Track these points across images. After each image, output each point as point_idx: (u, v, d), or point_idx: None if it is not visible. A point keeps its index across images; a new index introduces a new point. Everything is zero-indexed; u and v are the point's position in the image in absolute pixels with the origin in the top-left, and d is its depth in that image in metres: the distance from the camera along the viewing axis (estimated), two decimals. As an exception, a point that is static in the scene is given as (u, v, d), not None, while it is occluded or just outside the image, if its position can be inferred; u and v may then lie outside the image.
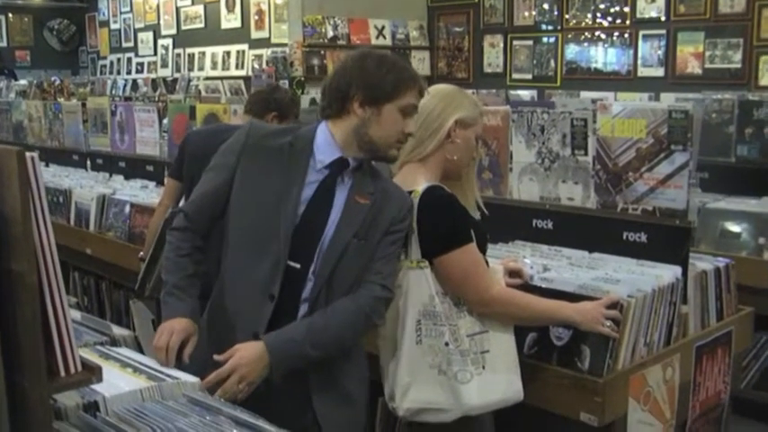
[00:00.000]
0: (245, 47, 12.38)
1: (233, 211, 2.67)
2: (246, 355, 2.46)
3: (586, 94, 7.57)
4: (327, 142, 2.64)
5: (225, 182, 2.68)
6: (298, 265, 2.57)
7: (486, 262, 2.86)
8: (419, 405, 2.77)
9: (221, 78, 11.73)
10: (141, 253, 4.31)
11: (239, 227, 2.66)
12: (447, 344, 2.72)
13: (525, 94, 8.57)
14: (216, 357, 2.47)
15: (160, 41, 14.56)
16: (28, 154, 1.41)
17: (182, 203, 3.96)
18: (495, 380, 2.76)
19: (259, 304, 2.58)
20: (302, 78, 10.99)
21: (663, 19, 9.84)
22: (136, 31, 15.26)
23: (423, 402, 2.76)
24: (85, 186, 6.00)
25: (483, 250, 2.85)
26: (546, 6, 11.00)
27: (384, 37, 12.08)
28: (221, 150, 2.76)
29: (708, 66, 9.49)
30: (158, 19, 14.51)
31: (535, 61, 11.25)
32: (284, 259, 2.56)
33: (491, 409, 2.81)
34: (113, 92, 11.86)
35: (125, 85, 12.06)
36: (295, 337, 2.51)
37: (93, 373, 1.56)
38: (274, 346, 2.49)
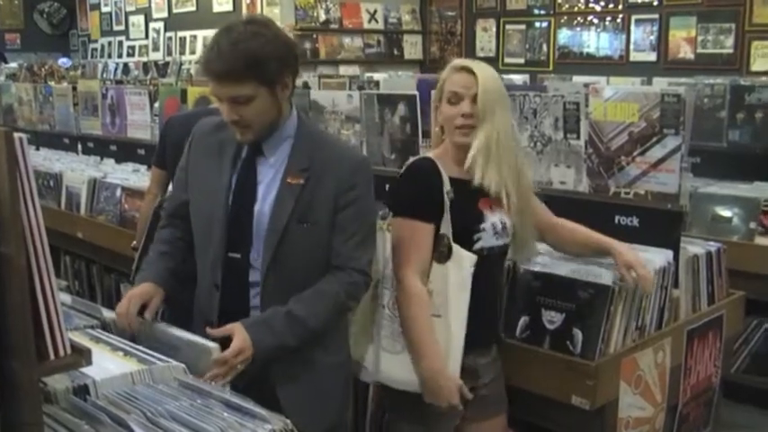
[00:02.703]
0: (236, 30, 12.32)
1: (190, 209, 2.72)
2: (246, 338, 2.42)
3: (579, 79, 7.55)
4: None
5: (184, 182, 2.75)
6: (238, 255, 2.57)
7: (450, 245, 2.75)
8: (354, 357, 2.85)
9: (213, 62, 11.66)
10: (134, 242, 4.29)
11: (193, 222, 2.71)
12: (384, 306, 2.80)
13: (518, 78, 8.53)
14: (210, 331, 2.44)
15: (151, 25, 14.48)
16: (16, 135, 1.40)
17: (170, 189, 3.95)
18: None
19: (209, 294, 2.62)
20: (294, 62, 10.94)
21: (655, 4, 9.84)
22: (127, 15, 15.17)
23: (355, 355, 2.85)
24: (76, 170, 5.97)
25: (461, 226, 2.77)
26: (538, -10, 11.01)
27: (376, 21, 12.06)
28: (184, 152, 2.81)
29: (700, 51, 9.50)
30: (149, 2, 14.43)
31: (528, 45, 11.24)
32: (221, 249, 2.57)
33: (408, 389, 2.78)
34: (104, 75, 11.80)
35: (116, 69, 12.00)
36: (275, 328, 2.48)
37: (82, 355, 1.55)
38: (257, 336, 2.44)
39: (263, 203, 2.56)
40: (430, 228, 2.75)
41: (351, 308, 2.70)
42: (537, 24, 11.12)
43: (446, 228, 2.75)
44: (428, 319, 2.72)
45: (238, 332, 2.42)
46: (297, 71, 2.59)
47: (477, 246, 2.78)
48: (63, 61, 12.91)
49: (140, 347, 2.21)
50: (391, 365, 2.80)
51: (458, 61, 2.81)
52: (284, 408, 2.48)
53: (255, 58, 2.40)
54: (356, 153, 2.71)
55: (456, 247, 2.75)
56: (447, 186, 2.76)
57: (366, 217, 2.62)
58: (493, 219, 2.79)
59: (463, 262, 2.75)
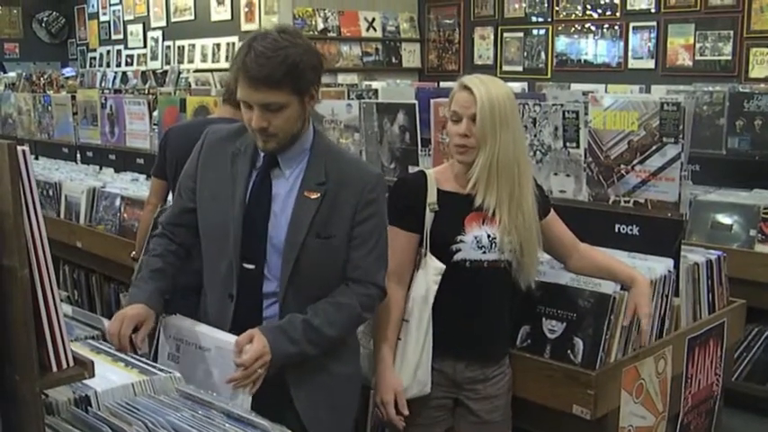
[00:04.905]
0: (234, 39, 12.33)
1: (199, 218, 2.70)
2: (265, 343, 2.42)
3: (577, 87, 7.57)
4: None
5: (191, 190, 2.72)
6: (252, 266, 2.57)
7: (424, 254, 2.83)
8: None
9: (211, 71, 11.68)
10: (134, 252, 4.29)
11: (204, 232, 2.69)
12: None
13: (516, 86, 8.55)
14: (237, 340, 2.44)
15: (150, 34, 14.49)
16: (19, 148, 1.40)
17: (170, 199, 3.94)
18: None
19: (222, 305, 2.61)
20: (292, 71, 10.96)
21: (653, 11, 9.86)
22: (125, 24, 15.18)
23: None
24: (75, 179, 5.97)
25: (440, 237, 2.82)
26: (536, -2, 11.03)
27: (374, 29, 12.07)
28: (189, 160, 2.78)
29: (698, 58, 9.52)
30: (148, 11, 14.44)
31: (526, 53, 11.26)
32: (237, 260, 2.56)
33: (370, 385, 2.93)
34: (103, 84, 11.79)
35: (115, 78, 11.99)
36: (293, 335, 2.48)
37: (85, 368, 1.55)
38: (275, 343, 2.44)
39: (280, 217, 2.56)
40: (407, 236, 2.85)
41: (366, 320, 2.74)
42: (535, 32, 11.14)
43: (425, 237, 2.83)
44: (388, 318, 2.84)
45: (258, 337, 2.42)
46: (320, 84, 2.61)
47: (458, 257, 2.81)
48: (67, 71, 12.92)
49: (142, 359, 2.22)
50: (363, 359, 2.92)
51: (465, 78, 2.80)
52: (300, 413, 2.56)
53: (295, 66, 2.42)
54: (372, 169, 2.75)
55: (428, 257, 2.82)
56: (432, 199, 2.83)
57: (383, 232, 2.64)
58: (478, 232, 2.81)
59: (429, 270, 2.81)
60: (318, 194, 2.54)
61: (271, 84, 2.40)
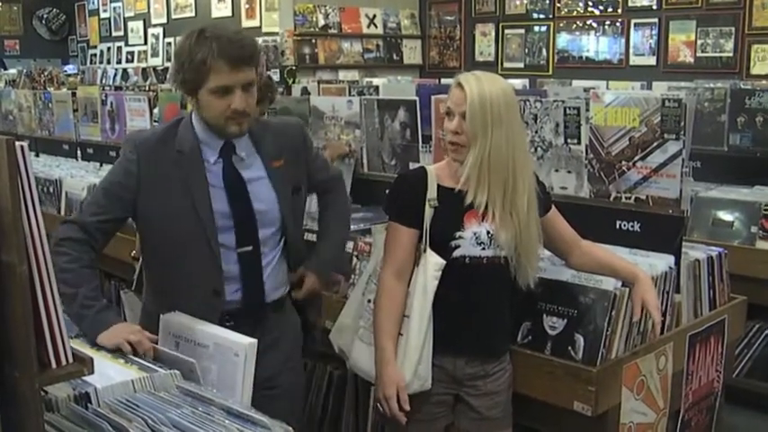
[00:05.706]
0: (235, 36, 12.33)
1: (158, 227, 2.73)
2: (316, 281, 2.97)
3: (578, 83, 7.56)
4: (206, 133, 2.68)
5: (127, 200, 2.69)
6: (249, 248, 2.74)
7: (423, 250, 2.83)
8: (341, 346, 3.13)
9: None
10: (134, 252, 4.28)
11: (173, 240, 2.71)
12: (369, 301, 3.02)
13: (517, 83, 8.55)
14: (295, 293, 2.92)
15: (150, 30, 14.48)
16: (17, 143, 1.40)
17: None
18: None
19: (206, 304, 2.65)
20: (293, 67, 10.97)
21: (655, 7, 9.85)
22: (126, 20, 15.17)
23: (343, 345, 3.12)
24: (76, 176, 5.96)
25: (439, 233, 2.81)
26: (537, -5, 11.03)
27: (375, 26, 12.06)
28: (114, 171, 2.75)
29: (700, 54, 9.51)
30: (148, 8, 14.42)
31: (527, 50, 11.25)
32: (233, 247, 2.70)
33: (370, 380, 2.98)
34: (104, 81, 11.79)
35: (115, 75, 11.99)
36: (331, 259, 3.12)
37: (84, 364, 1.55)
38: (322, 273, 3.04)
39: (261, 193, 2.74)
40: (408, 231, 2.85)
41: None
42: (536, 29, 11.13)
43: (424, 233, 2.83)
44: (389, 314, 2.84)
45: (310, 278, 2.97)
46: None
47: (457, 253, 2.80)
48: (68, 67, 12.89)
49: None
50: (361, 355, 3.00)
51: (461, 75, 2.79)
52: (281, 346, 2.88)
53: (256, 47, 2.66)
54: (296, 120, 3.17)
55: (428, 252, 2.81)
56: (432, 195, 2.83)
57: (320, 151, 3.30)
58: (477, 229, 2.79)
59: (428, 266, 2.81)
60: (281, 161, 2.77)
61: (249, 62, 2.59)
